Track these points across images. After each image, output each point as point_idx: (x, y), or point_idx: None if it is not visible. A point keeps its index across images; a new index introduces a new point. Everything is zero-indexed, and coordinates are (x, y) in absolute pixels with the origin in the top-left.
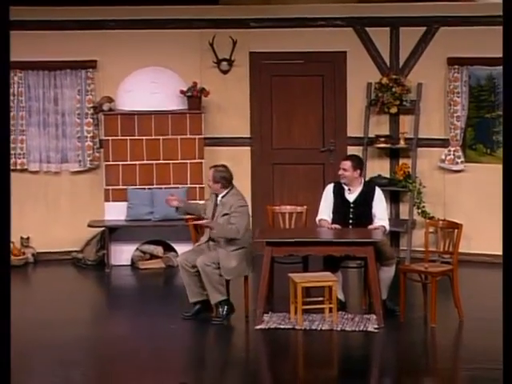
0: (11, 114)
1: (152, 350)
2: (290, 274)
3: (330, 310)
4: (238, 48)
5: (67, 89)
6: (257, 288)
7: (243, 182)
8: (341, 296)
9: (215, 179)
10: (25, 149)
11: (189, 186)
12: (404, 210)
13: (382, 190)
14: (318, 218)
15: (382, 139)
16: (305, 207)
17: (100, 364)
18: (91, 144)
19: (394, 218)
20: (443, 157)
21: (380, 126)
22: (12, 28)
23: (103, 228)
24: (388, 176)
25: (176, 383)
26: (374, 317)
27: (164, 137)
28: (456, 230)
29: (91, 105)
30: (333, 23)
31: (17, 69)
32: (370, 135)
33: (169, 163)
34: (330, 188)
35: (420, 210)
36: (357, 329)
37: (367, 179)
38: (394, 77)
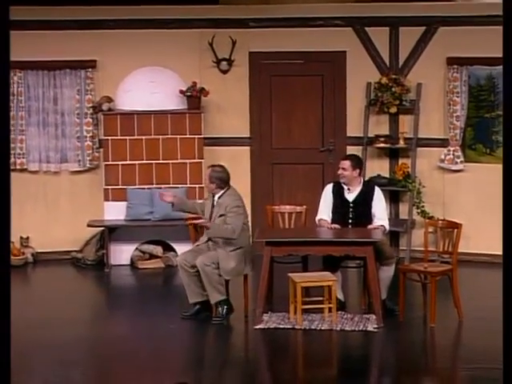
0: (11, 113)
1: (151, 350)
2: (290, 274)
3: (330, 309)
4: (237, 48)
5: (67, 88)
6: (256, 288)
7: (243, 181)
8: (340, 296)
9: (211, 179)
10: (24, 149)
11: (188, 185)
12: (403, 209)
13: (382, 190)
14: (317, 218)
15: (382, 139)
16: (304, 207)
17: (99, 364)
18: (91, 144)
19: (394, 217)
20: (443, 156)
21: (379, 126)
22: (12, 28)
23: (103, 228)
24: (387, 176)
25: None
26: (374, 316)
27: (163, 136)
28: (455, 230)
29: (91, 104)
30: (332, 23)
31: (16, 68)
32: (369, 135)
33: (168, 163)
34: (329, 188)
35: (419, 210)
36: (356, 328)
37: (367, 179)
38: (393, 76)
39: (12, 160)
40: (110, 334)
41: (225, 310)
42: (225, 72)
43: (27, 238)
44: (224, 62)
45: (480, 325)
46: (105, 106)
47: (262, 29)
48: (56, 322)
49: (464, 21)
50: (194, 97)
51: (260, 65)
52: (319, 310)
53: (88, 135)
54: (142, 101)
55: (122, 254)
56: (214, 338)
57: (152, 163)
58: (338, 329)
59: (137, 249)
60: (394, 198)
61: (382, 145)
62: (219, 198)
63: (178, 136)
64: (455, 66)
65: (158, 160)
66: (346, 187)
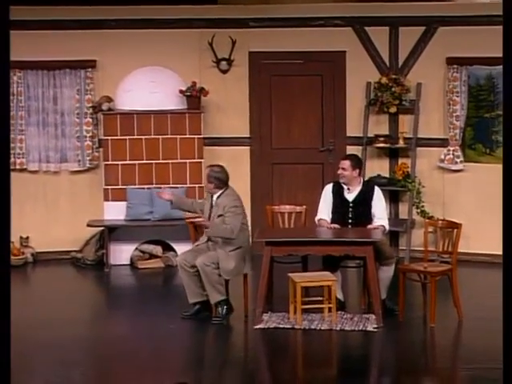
0: (10, 113)
1: (151, 350)
2: (290, 274)
3: (330, 309)
4: (237, 48)
5: (66, 88)
6: (256, 288)
7: (242, 181)
8: (340, 296)
9: (209, 179)
10: (24, 148)
11: (188, 185)
12: (403, 209)
13: (382, 190)
14: (317, 218)
15: (382, 139)
16: (304, 207)
17: (99, 364)
18: (90, 144)
19: (394, 217)
20: (442, 156)
21: (379, 126)
22: (12, 27)
23: (102, 228)
24: (387, 176)
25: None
26: (373, 316)
27: (163, 136)
28: (455, 230)
29: (90, 104)
30: (332, 23)
31: (16, 68)
32: (369, 135)
33: (168, 163)
34: (329, 188)
35: (419, 210)
36: (356, 328)
37: (366, 179)
38: (393, 76)
39: (12, 160)
40: (110, 333)
41: (225, 310)
42: (224, 72)
43: (27, 237)
44: (224, 62)
45: (480, 325)
46: (105, 106)
47: (262, 29)
48: (56, 321)
49: (464, 21)
50: (194, 97)
51: (260, 65)
52: (319, 310)
53: (88, 135)
54: (142, 101)
55: (122, 253)
56: (214, 338)
57: (152, 163)
58: (338, 329)
59: (136, 249)
60: (393, 198)
61: (381, 145)
62: (217, 198)
63: (178, 136)
64: (455, 66)
65: (158, 160)
66: (345, 187)
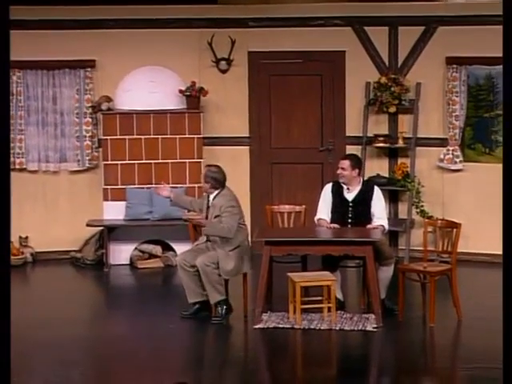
0: (10, 113)
1: (151, 350)
2: (289, 274)
3: (329, 309)
4: (236, 47)
5: (66, 88)
6: (256, 287)
7: (242, 181)
8: (339, 295)
9: (206, 178)
10: (23, 148)
11: (187, 185)
12: (403, 209)
13: (381, 190)
14: (316, 218)
15: (381, 138)
16: (303, 207)
17: (99, 363)
18: (90, 143)
19: (393, 217)
20: (442, 156)
21: (379, 126)
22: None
23: (102, 227)
24: (387, 175)
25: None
26: (373, 316)
27: (163, 136)
28: (455, 230)
29: (90, 104)
30: (331, 22)
31: (15, 68)
32: (368, 134)
33: (167, 163)
34: (328, 187)
35: (419, 210)
36: (355, 328)
37: (366, 178)
38: (392, 76)
39: (11, 159)
40: (110, 333)
41: (224, 310)
42: (224, 72)
43: (26, 237)
44: (223, 62)
45: (479, 324)
46: (104, 106)
47: (262, 28)
48: (55, 321)
49: (463, 20)
50: (194, 96)
51: (259, 64)
52: (318, 310)
53: (87, 135)
54: (141, 100)
55: (122, 253)
56: (214, 338)
57: (151, 163)
58: (337, 328)
59: (136, 248)
60: (393, 198)
61: (381, 144)
62: (213, 199)
63: (178, 136)
64: (454, 66)
65: (158, 160)
66: (345, 187)
